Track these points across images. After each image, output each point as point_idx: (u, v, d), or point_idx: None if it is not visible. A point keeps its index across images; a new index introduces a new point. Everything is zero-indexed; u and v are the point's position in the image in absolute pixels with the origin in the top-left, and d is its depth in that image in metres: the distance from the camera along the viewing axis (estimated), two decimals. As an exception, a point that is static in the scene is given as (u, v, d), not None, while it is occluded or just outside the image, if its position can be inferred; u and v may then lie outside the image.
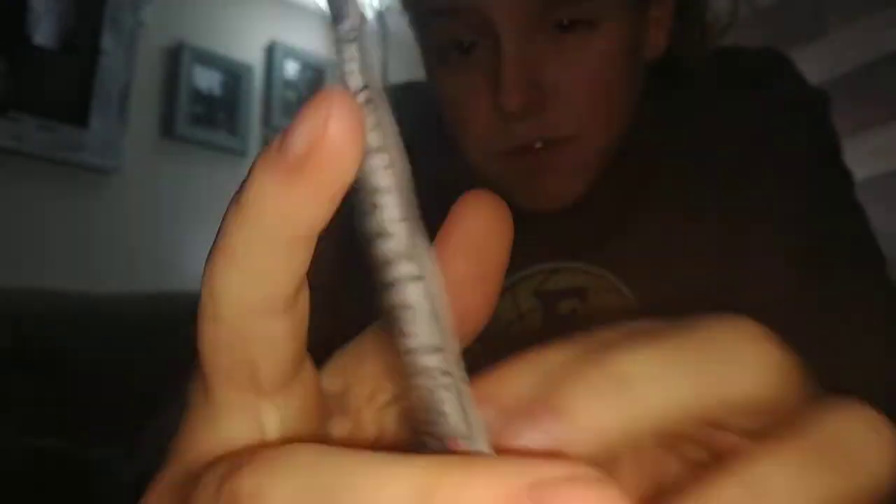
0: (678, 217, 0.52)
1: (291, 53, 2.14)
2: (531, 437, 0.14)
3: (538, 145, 0.47)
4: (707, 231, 0.51)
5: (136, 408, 1.09)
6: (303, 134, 0.13)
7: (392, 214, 0.14)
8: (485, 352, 0.17)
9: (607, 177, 0.52)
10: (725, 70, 0.55)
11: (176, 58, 1.93)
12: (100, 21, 1.78)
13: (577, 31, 0.46)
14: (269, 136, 2.07)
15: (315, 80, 2.18)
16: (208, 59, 1.98)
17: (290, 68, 2.14)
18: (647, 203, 0.53)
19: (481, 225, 0.18)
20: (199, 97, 1.95)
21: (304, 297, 0.16)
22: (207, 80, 1.97)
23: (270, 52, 2.11)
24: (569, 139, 0.47)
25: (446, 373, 0.14)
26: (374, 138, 0.14)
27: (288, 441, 0.16)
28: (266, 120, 2.08)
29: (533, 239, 0.54)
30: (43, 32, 1.70)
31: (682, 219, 0.52)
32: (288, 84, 2.13)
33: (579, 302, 0.50)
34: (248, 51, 2.08)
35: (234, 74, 2.02)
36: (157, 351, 1.16)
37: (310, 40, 2.18)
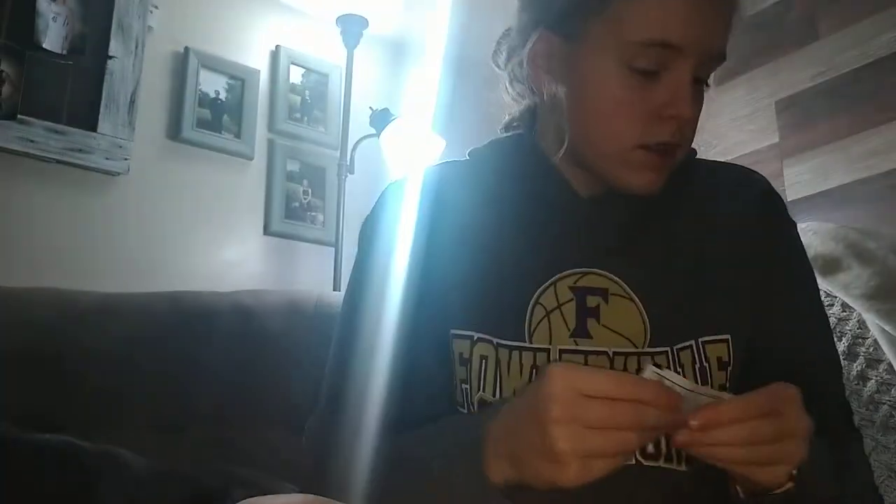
0: (676, 245, 0.73)
1: (296, 58, 2.17)
2: None
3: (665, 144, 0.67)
4: (700, 268, 0.73)
5: (141, 405, 1.10)
6: None
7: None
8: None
9: (628, 198, 0.70)
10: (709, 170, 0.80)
11: (183, 62, 1.96)
12: (108, 26, 1.81)
13: (699, 84, 0.69)
14: (274, 139, 2.10)
15: (319, 84, 2.22)
16: (214, 64, 2.01)
17: (295, 73, 2.17)
18: (654, 227, 0.73)
19: None
20: (206, 101, 1.98)
21: None
22: (214, 84, 2.00)
23: (275, 57, 2.14)
24: (680, 147, 0.68)
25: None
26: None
27: None
28: (271, 124, 2.11)
29: (571, 244, 0.73)
30: (52, 38, 1.72)
31: (680, 248, 0.73)
32: (293, 89, 2.16)
33: (602, 299, 0.70)
34: (254, 56, 2.11)
35: (239, 79, 2.05)
36: (163, 350, 1.18)
37: (314, 46, 2.21)
